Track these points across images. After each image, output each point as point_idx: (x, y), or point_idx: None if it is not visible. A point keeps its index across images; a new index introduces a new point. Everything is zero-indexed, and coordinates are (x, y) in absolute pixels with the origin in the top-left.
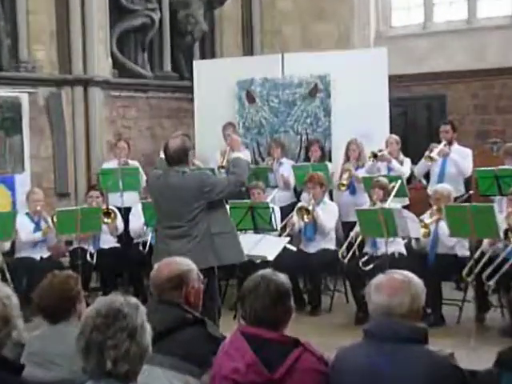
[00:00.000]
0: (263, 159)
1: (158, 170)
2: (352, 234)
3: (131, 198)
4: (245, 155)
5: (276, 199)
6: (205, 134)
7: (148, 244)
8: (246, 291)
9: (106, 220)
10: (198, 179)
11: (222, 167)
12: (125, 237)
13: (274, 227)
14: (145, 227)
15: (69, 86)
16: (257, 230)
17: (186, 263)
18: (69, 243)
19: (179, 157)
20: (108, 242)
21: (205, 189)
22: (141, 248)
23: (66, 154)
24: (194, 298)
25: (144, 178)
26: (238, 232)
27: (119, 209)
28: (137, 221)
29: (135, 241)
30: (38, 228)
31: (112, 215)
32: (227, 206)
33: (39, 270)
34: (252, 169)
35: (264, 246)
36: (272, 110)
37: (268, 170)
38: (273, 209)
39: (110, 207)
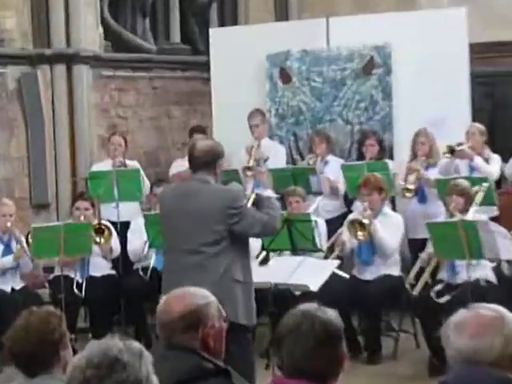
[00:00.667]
0: (303, 157)
1: (177, 184)
2: (422, 255)
3: (130, 210)
4: (277, 154)
5: (320, 209)
6: (225, 124)
7: (150, 269)
8: (283, 333)
9: (97, 239)
10: (225, 196)
11: (249, 169)
12: (122, 261)
13: (319, 247)
14: (147, 248)
15: (47, 64)
16: (295, 251)
17: (202, 294)
18: (49, 270)
19: (206, 162)
20: (100, 267)
21: (230, 211)
22: (142, 275)
23: (43, 153)
24: (215, 341)
25: (146, 183)
26: (272, 253)
27: (114, 224)
28: (137, 239)
29: (135, 266)
30: (7, 251)
31: (105, 233)
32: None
33: (11, 306)
34: (288, 170)
35: (305, 272)
36: (314, 91)
37: (309, 172)
38: (316, 222)
39: (103, 222)
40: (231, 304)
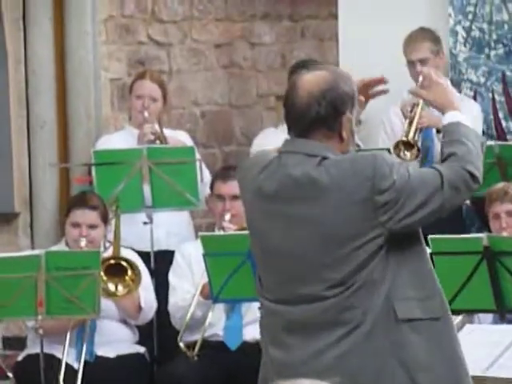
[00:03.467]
0: None
1: (263, 154)
2: None
3: (176, 229)
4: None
5: None
6: (362, 61)
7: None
8: None
9: (111, 287)
10: (362, 170)
11: (409, 144)
12: (158, 328)
13: None
14: (209, 303)
15: None
16: (504, 313)
17: None
18: (15, 344)
19: (321, 116)
20: (116, 341)
21: (381, 196)
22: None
23: (6, 120)
24: None
25: (206, 174)
26: (457, 319)
27: (145, 256)
28: (188, 286)
29: (184, 338)
30: None
31: (128, 275)
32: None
33: None
34: (491, 150)
35: None
36: None
37: None
38: None
39: (124, 253)
40: (376, 367)
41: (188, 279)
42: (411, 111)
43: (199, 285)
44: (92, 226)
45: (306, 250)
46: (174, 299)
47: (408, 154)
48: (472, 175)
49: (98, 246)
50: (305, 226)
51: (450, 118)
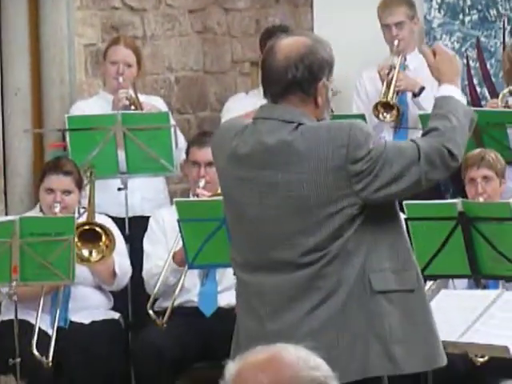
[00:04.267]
0: (495, 89)
1: (237, 120)
2: None
3: (150, 195)
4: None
5: None
6: (336, 26)
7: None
8: None
9: (85, 253)
10: (337, 138)
11: (388, 105)
12: (133, 295)
13: None
14: (185, 269)
15: None
16: (478, 278)
17: (307, 365)
18: None
19: (297, 81)
20: (91, 307)
21: (355, 165)
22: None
23: None
24: None
25: (181, 140)
26: (431, 283)
27: (120, 222)
28: (162, 252)
29: (159, 304)
30: None
31: (102, 240)
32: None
33: None
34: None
35: (500, 321)
36: None
37: (501, 121)
38: None
39: (100, 218)
40: (349, 342)
41: (162, 245)
42: (388, 74)
43: (172, 250)
44: (66, 192)
45: (280, 214)
46: (149, 265)
47: (388, 115)
48: (451, 153)
49: (73, 211)
50: (278, 192)
51: (444, 90)
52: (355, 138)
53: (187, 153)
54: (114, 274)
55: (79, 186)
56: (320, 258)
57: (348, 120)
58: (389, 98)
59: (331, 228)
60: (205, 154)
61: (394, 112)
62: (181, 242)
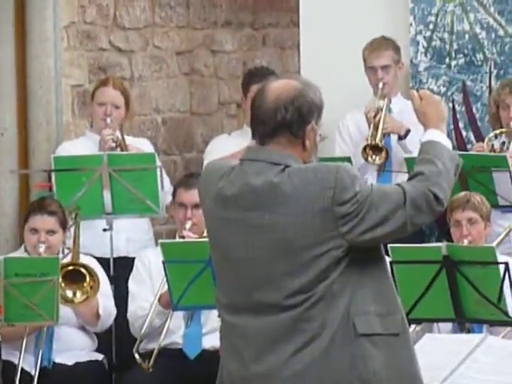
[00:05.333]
0: (480, 133)
1: (224, 162)
2: None
3: (136, 236)
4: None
5: None
6: (323, 69)
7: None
8: None
9: (69, 294)
10: (324, 180)
11: (376, 148)
12: (117, 336)
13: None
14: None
15: None
16: (462, 322)
17: None
18: None
19: (287, 122)
20: (74, 348)
21: (341, 207)
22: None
23: None
24: None
25: (167, 182)
26: (417, 328)
27: (104, 263)
28: (147, 294)
29: (144, 346)
30: None
31: (87, 281)
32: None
33: None
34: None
35: (487, 363)
36: (503, 5)
37: (496, 163)
38: (507, 267)
39: (85, 258)
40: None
41: (147, 287)
42: (375, 116)
43: (158, 293)
44: (50, 232)
45: (266, 256)
46: (133, 307)
47: (377, 157)
48: (436, 197)
49: (57, 251)
50: (264, 233)
51: (430, 135)
52: (342, 181)
53: (174, 194)
54: (98, 315)
55: (63, 226)
56: (305, 300)
57: (335, 163)
58: (377, 140)
59: (317, 270)
60: (191, 195)
61: (383, 154)
62: (166, 284)
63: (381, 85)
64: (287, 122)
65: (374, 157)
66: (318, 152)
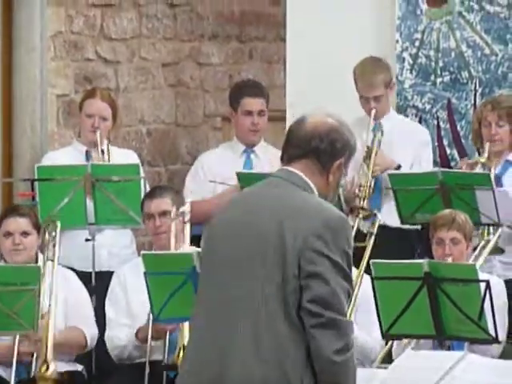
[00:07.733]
0: (464, 151)
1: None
2: None
3: (118, 249)
4: (415, 143)
5: (498, 259)
6: (309, 84)
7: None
8: None
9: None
10: (322, 222)
11: (362, 208)
12: (96, 346)
13: (490, 332)
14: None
15: None
16: (442, 339)
17: None
18: None
19: (318, 152)
20: (54, 357)
21: (308, 254)
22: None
23: None
24: None
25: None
26: (404, 341)
27: (86, 277)
28: (123, 314)
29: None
30: None
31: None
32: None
33: None
34: (434, 177)
35: (466, 381)
36: (489, 23)
37: (478, 182)
38: (488, 285)
39: (66, 272)
40: None
41: (123, 311)
42: (359, 189)
43: (135, 317)
44: (24, 233)
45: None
46: (111, 333)
47: (361, 214)
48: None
49: (32, 254)
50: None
51: None
52: (330, 242)
53: (141, 209)
54: (86, 345)
55: (37, 228)
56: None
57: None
58: (365, 204)
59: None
60: (156, 204)
61: (369, 212)
62: (144, 318)
63: (373, 112)
64: (320, 150)
65: (359, 215)
66: (336, 196)
